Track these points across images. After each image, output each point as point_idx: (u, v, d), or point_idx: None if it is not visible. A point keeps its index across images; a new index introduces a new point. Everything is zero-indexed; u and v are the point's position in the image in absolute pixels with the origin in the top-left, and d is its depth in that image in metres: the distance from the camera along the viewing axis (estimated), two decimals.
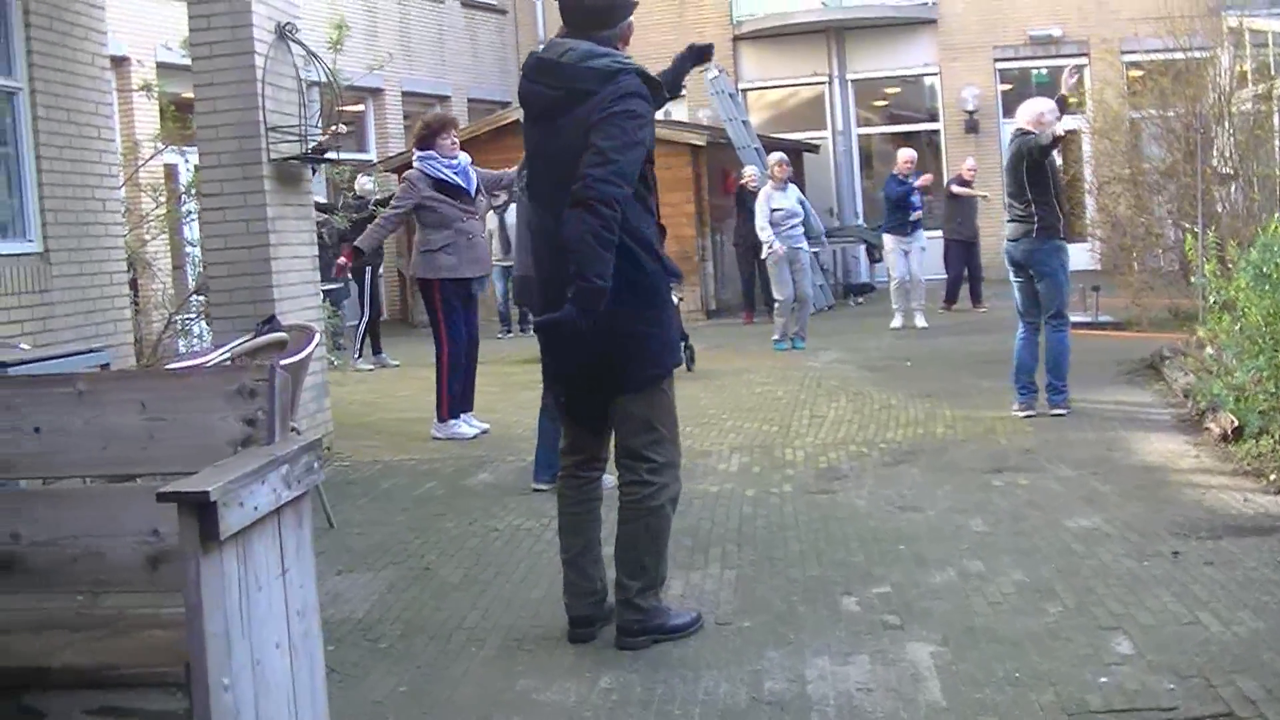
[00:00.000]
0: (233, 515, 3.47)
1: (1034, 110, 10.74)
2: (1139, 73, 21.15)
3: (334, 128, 10.59)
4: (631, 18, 5.69)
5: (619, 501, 5.69)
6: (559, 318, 5.32)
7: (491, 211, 16.88)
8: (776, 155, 17.37)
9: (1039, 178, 10.36)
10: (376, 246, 11.89)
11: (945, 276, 20.80)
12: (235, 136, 9.67)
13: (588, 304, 5.24)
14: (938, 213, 21.71)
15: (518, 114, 5.90)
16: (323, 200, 17.30)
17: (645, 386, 5.57)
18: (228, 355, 7.16)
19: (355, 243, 11.77)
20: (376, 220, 11.70)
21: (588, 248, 5.22)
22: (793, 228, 16.64)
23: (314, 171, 10.64)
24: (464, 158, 10.97)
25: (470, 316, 10.96)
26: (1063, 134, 10.62)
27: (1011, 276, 10.73)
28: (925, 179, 19.24)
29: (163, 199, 13.28)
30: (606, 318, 5.32)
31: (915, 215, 18.70)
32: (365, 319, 17.36)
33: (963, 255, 20.40)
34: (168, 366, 8.24)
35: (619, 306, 5.35)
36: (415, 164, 10.95)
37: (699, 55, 6.25)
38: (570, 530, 5.80)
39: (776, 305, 16.84)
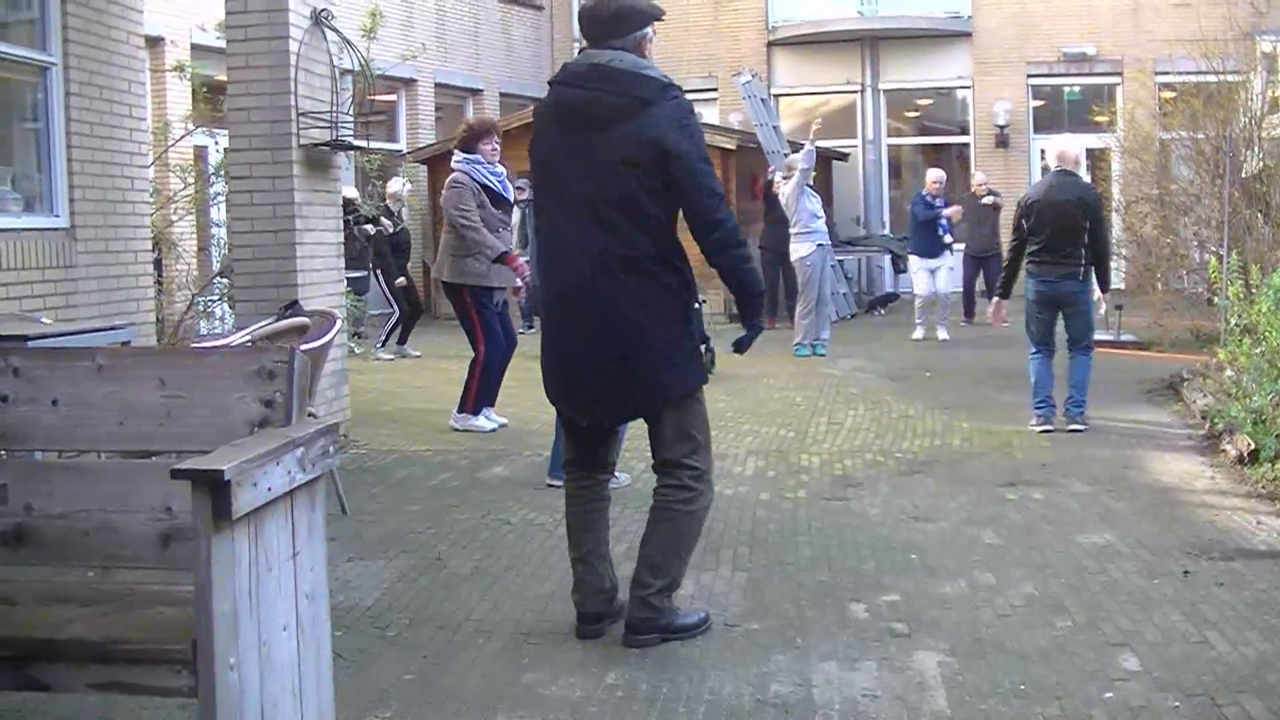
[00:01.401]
0: (246, 495, 3.48)
1: (1075, 150, 10.81)
2: (1171, 94, 21.07)
3: (366, 125, 10.50)
4: (649, 30, 5.63)
5: (655, 501, 5.68)
6: (754, 334, 5.82)
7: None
8: (790, 158, 17.41)
9: (1095, 227, 10.53)
10: (488, 240, 11.10)
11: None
12: (266, 120, 9.69)
13: (761, 313, 5.87)
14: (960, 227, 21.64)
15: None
16: (353, 194, 17.31)
17: (683, 398, 5.58)
18: (248, 338, 7.17)
19: (508, 248, 10.78)
20: (476, 238, 10.54)
21: (746, 275, 5.66)
22: (794, 233, 16.67)
23: (348, 160, 10.60)
24: (503, 170, 10.87)
25: (505, 319, 10.93)
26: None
27: (1036, 312, 10.71)
28: (954, 211, 19.01)
29: (191, 180, 13.31)
30: (634, 328, 5.35)
31: (945, 239, 18.63)
32: (396, 313, 17.35)
33: (972, 268, 20.37)
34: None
35: (660, 323, 5.40)
36: (459, 165, 10.74)
37: None
38: (580, 530, 5.79)
39: (800, 309, 16.81)
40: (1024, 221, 10.68)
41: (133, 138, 10.01)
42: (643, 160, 5.34)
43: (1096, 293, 10.87)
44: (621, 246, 5.39)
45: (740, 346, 5.85)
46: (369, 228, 16.44)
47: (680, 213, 5.52)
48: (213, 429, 4.00)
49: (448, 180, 10.77)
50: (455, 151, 10.89)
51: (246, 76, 9.70)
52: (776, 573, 6.72)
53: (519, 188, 15.77)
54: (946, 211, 18.73)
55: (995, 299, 11.54)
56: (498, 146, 10.82)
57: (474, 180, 10.59)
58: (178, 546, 3.99)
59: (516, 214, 17.95)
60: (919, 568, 6.77)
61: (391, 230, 17.28)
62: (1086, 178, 10.61)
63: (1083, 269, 10.53)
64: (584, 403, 5.65)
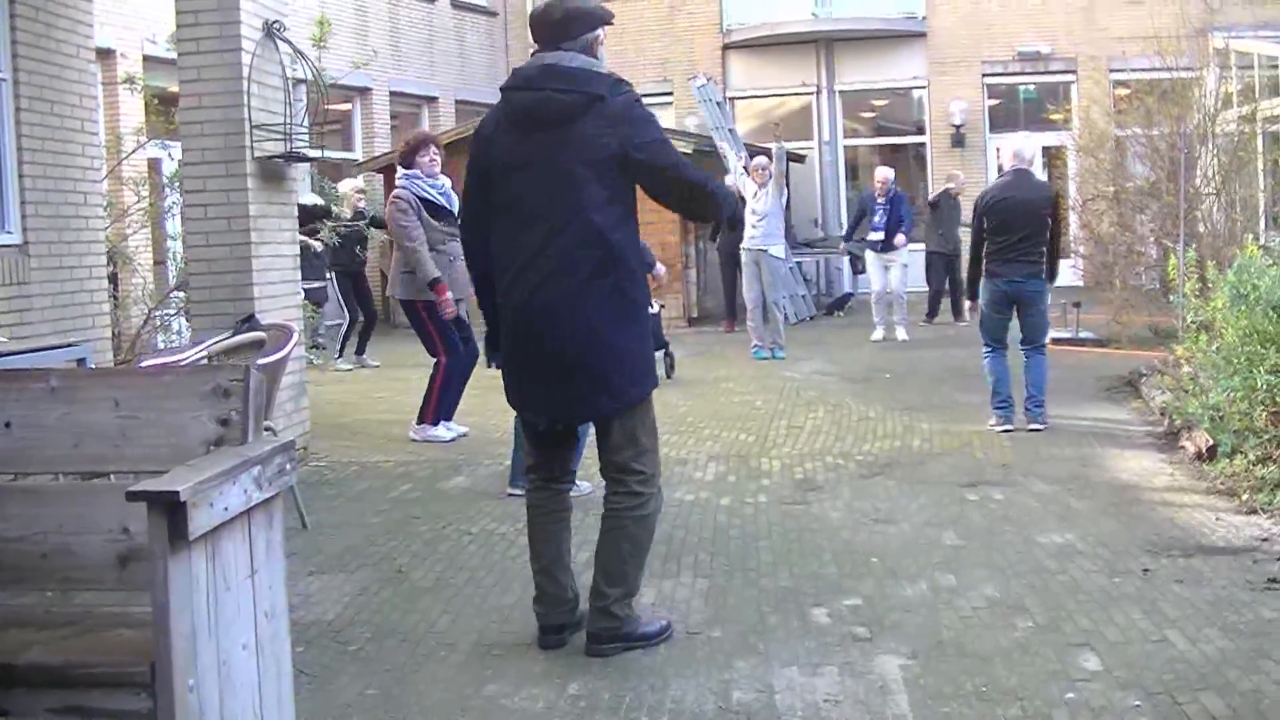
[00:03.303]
0: (203, 515, 3.48)
1: (1032, 149, 10.90)
2: (1125, 91, 21.21)
3: (320, 134, 10.49)
4: (600, 33, 5.64)
5: (605, 510, 5.69)
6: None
7: None
8: (758, 159, 17.43)
9: (1054, 224, 10.63)
10: (427, 260, 11.14)
11: (927, 290, 20.82)
12: (220, 133, 9.66)
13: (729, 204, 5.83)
14: (921, 225, 21.69)
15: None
16: (317, 201, 17.22)
17: (633, 404, 5.59)
18: (204, 353, 7.15)
19: (435, 276, 10.66)
20: (413, 248, 10.64)
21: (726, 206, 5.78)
22: (764, 231, 16.64)
23: (310, 171, 10.58)
24: (445, 181, 10.92)
25: (465, 330, 10.92)
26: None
27: (994, 311, 10.76)
28: (898, 240, 18.92)
29: (145, 193, 13.25)
30: (590, 330, 5.34)
31: (875, 235, 18.69)
32: (348, 321, 17.34)
33: (944, 269, 20.43)
34: (143, 363, 8.22)
35: (602, 319, 5.38)
36: (399, 182, 10.89)
37: None
38: (541, 539, 5.79)
39: (758, 312, 16.82)
40: (984, 220, 10.69)
41: (85, 152, 9.97)
42: (599, 157, 5.35)
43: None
44: (575, 247, 5.39)
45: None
46: (324, 233, 16.31)
47: (633, 212, 5.55)
48: (168, 449, 3.99)
49: (390, 198, 10.85)
50: (398, 169, 11.01)
51: (199, 89, 9.67)
52: (738, 578, 6.74)
53: None
54: (896, 240, 18.71)
55: (967, 303, 11.61)
56: (436, 158, 10.86)
57: (413, 194, 10.66)
58: (135, 567, 3.98)
59: None
60: (880, 571, 6.80)
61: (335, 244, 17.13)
62: (1042, 176, 10.69)
63: (1042, 268, 10.59)
64: (541, 405, 5.66)
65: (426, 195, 10.70)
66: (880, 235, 18.67)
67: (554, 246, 5.39)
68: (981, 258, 10.77)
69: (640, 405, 5.62)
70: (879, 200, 18.89)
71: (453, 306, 10.55)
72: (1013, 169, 10.80)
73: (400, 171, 10.93)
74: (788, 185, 17.40)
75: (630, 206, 5.52)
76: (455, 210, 10.80)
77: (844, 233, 19.76)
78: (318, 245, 16.01)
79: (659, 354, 13.48)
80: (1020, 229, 10.52)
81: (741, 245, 16.82)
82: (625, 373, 5.53)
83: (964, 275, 12.95)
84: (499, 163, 5.56)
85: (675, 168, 5.48)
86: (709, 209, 5.71)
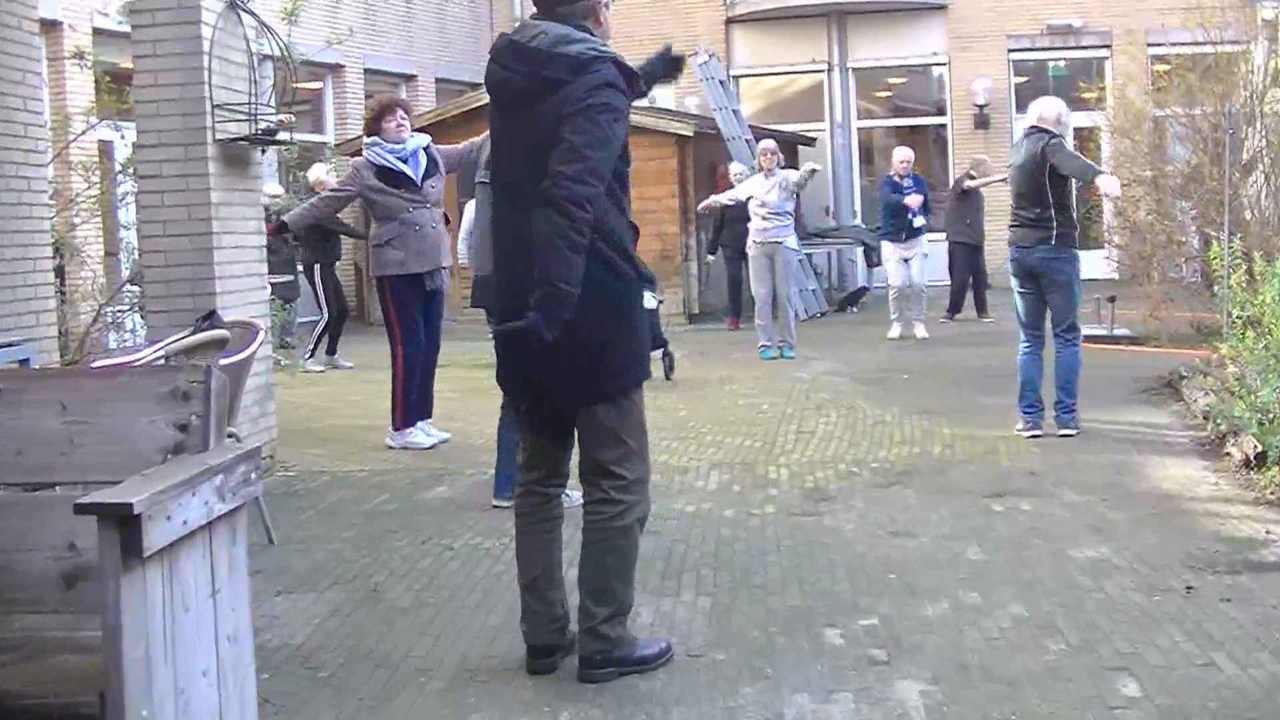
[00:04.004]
0: (159, 530, 3.45)
1: (1054, 109, 10.82)
2: (1165, 67, 21.17)
3: (286, 119, 10.49)
4: None
5: (583, 521, 5.67)
6: (522, 326, 5.29)
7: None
8: (765, 143, 17.40)
9: (1061, 180, 10.46)
10: (303, 226, 11.92)
11: (949, 283, 20.81)
12: (178, 113, 9.61)
13: (553, 311, 5.25)
14: (943, 214, 21.67)
15: (488, 97, 5.85)
16: (278, 192, 17.23)
17: (614, 396, 5.57)
18: (161, 353, 7.12)
19: (283, 217, 11.86)
20: (311, 200, 11.71)
21: (555, 250, 5.24)
22: (777, 224, 16.64)
23: (263, 152, 10.58)
24: (416, 140, 10.97)
25: (431, 316, 10.93)
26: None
27: (1017, 286, 10.77)
28: (913, 201, 18.89)
29: (95, 179, 13.22)
30: (571, 324, 5.32)
31: (915, 221, 18.67)
32: (325, 319, 17.29)
33: (969, 260, 20.42)
34: (94, 363, 8.19)
35: (586, 312, 5.35)
36: (364, 151, 11.03)
37: (671, 66, 6.10)
38: (529, 552, 5.78)
39: (767, 309, 16.80)
40: None
41: (28, 133, 9.91)
42: (551, 141, 5.34)
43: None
44: None
45: (496, 335, 5.65)
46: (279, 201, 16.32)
47: (625, 197, 5.55)
48: (121, 457, 3.96)
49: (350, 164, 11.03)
50: (362, 136, 11.15)
51: (154, 65, 9.63)
52: (743, 597, 6.72)
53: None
54: (909, 200, 18.66)
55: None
56: (403, 122, 10.96)
57: (371, 163, 10.84)
58: (84, 588, 3.95)
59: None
60: (898, 588, 6.78)
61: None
62: (1069, 140, 10.72)
63: (1055, 234, 10.53)
64: (523, 389, 5.73)
65: (384, 162, 10.80)
66: (921, 221, 18.65)
67: (527, 229, 5.40)
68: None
69: (624, 398, 5.60)
70: (903, 183, 18.84)
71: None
72: (1027, 129, 10.88)
73: (365, 140, 11.04)
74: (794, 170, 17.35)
75: (612, 189, 5.51)
76: (419, 176, 10.83)
77: (881, 227, 19.56)
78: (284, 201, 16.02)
79: (657, 354, 13.47)
80: (1018, 194, 10.75)
81: (751, 239, 16.77)
82: (606, 361, 5.51)
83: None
84: (491, 135, 5.80)
85: (574, 150, 5.29)
86: (542, 194, 5.33)
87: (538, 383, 5.62)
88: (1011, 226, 10.80)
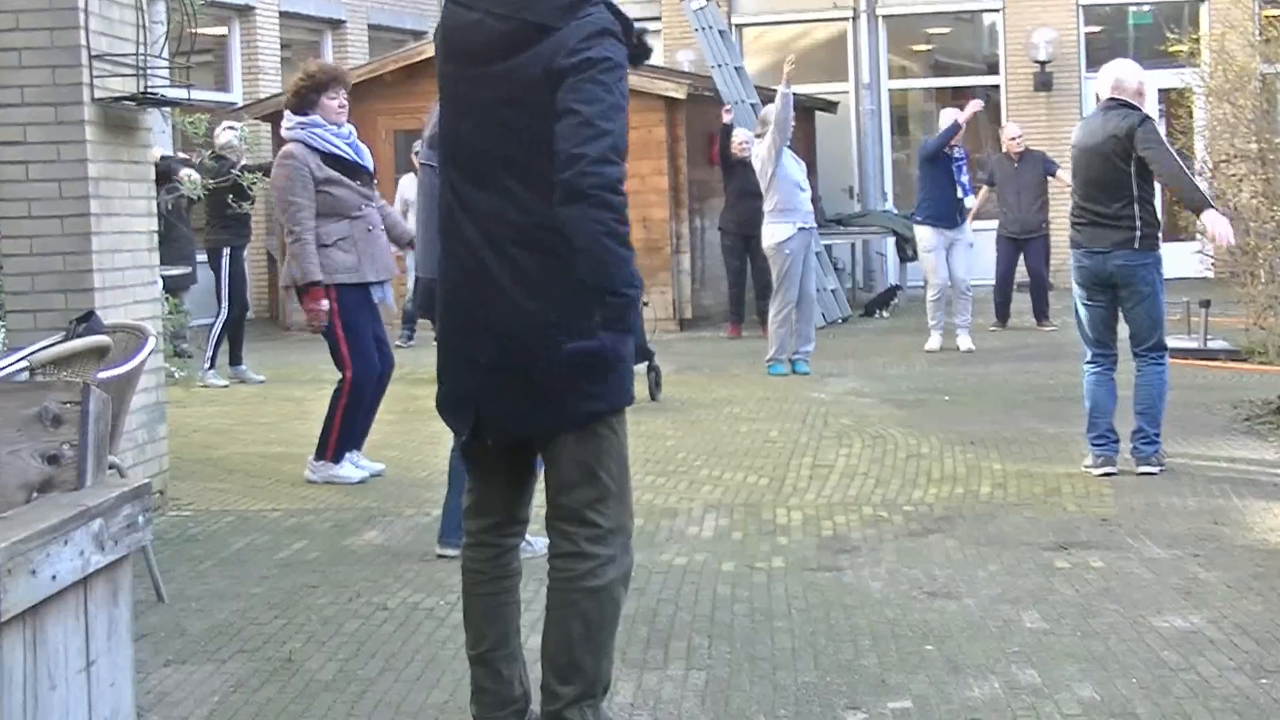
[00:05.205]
0: (20, 588, 3.43)
1: (1134, 75, 10.72)
2: (1276, 11, 21.16)
3: (187, 76, 10.45)
4: None
5: (549, 580, 5.64)
6: (594, 349, 5.35)
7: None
8: (768, 110, 17.43)
9: (1145, 169, 10.39)
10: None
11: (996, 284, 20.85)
12: (45, 65, 9.58)
13: (624, 324, 5.37)
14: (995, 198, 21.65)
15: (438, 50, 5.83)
16: (168, 154, 17.23)
17: (588, 423, 5.54)
18: (24, 365, 7.10)
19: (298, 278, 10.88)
20: (292, 235, 10.76)
21: (607, 251, 5.29)
22: (804, 206, 16.66)
23: (164, 120, 10.56)
24: (351, 129, 10.96)
25: (378, 329, 10.89)
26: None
27: (1083, 297, 10.69)
28: (971, 107, 18.79)
29: None
30: (536, 329, 5.31)
31: (970, 201, 18.66)
32: (224, 317, 17.23)
33: (1010, 255, 20.44)
34: None
35: (543, 303, 5.35)
36: (292, 132, 10.82)
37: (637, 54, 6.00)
38: (480, 617, 5.75)
39: (774, 314, 16.79)
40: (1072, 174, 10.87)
41: None
42: (534, 100, 5.34)
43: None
44: (518, 215, 5.39)
45: (579, 358, 5.46)
46: (185, 186, 16.27)
47: None
48: None
49: (278, 155, 10.77)
50: (286, 114, 10.89)
51: (15, 4, 9.62)
52: (745, 671, 6.73)
53: (416, 152, 15.76)
54: (962, 115, 18.56)
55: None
56: (346, 103, 10.88)
57: (312, 148, 10.68)
58: None
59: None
60: (937, 662, 6.79)
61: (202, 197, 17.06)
62: (1153, 112, 10.64)
63: (1139, 234, 10.52)
64: (460, 410, 5.65)
65: (334, 149, 10.74)
66: (971, 200, 18.65)
67: (486, 211, 5.39)
68: None
69: (602, 427, 5.57)
70: (954, 153, 18.72)
71: (322, 316, 10.51)
72: (1103, 102, 10.79)
73: (291, 119, 10.83)
74: (794, 146, 17.27)
75: None
76: (368, 165, 10.81)
77: (920, 207, 19.47)
78: (189, 189, 15.99)
79: (640, 367, 13.46)
80: (1089, 184, 10.62)
81: (798, 225, 16.67)
82: (574, 379, 5.48)
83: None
84: (441, 95, 5.73)
85: (573, 117, 5.30)
86: (563, 185, 5.30)
87: (493, 404, 5.59)
88: (1078, 224, 10.69)
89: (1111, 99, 10.62)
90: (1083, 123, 10.99)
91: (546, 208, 5.35)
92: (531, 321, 5.39)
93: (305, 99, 10.78)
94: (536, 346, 5.40)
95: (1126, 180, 10.40)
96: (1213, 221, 10.49)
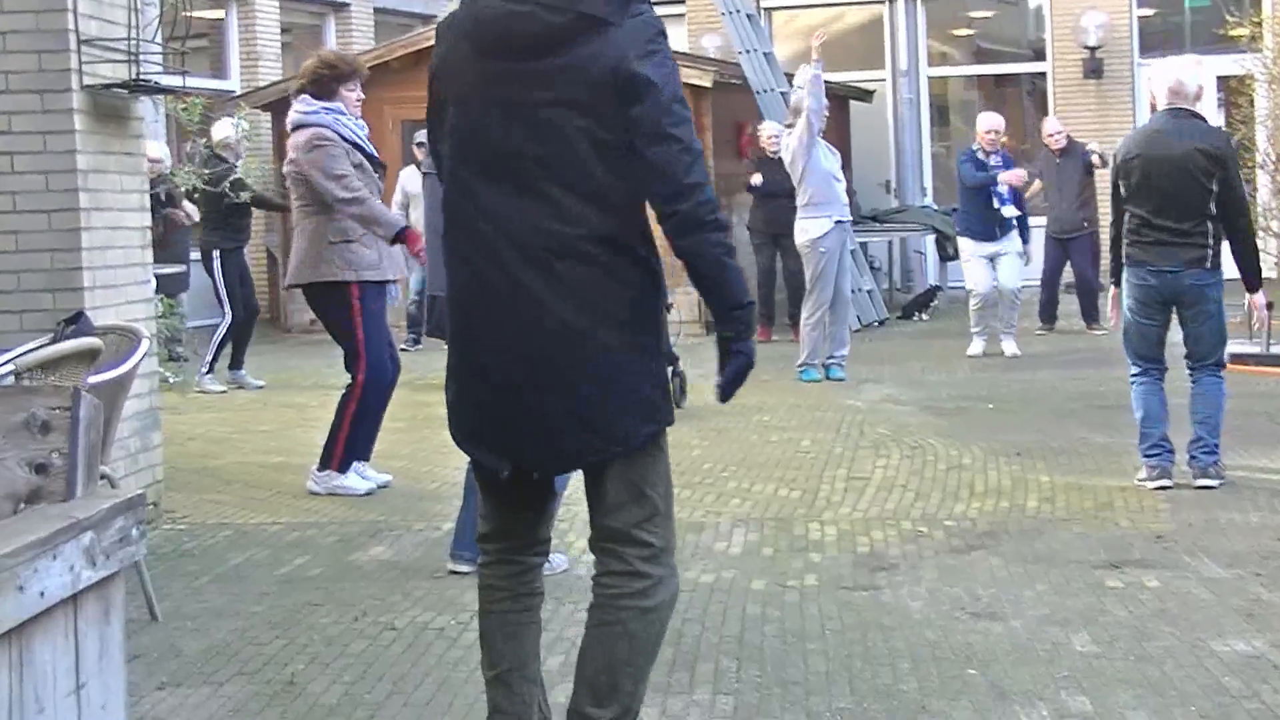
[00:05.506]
0: (6, 605, 3.42)
1: (1191, 79, 10.63)
2: None
3: (182, 62, 10.46)
4: None
5: (595, 598, 5.59)
6: (741, 367, 5.52)
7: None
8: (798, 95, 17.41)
9: (1224, 189, 10.39)
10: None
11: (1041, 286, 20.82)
12: (31, 50, 9.60)
13: (752, 329, 5.64)
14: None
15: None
16: (160, 153, 17.24)
17: (640, 446, 5.54)
18: (11, 368, 7.11)
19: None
20: (354, 208, 10.65)
21: (730, 271, 5.49)
22: (839, 200, 16.63)
23: (156, 109, 10.57)
24: (363, 124, 11.02)
25: (387, 332, 10.91)
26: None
27: (1141, 316, 10.64)
28: (1013, 176, 18.72)
29: None
30: (573, 337, 5.29)
31: (1003, 211, 18.52)
32: (229, 321, 17.17)
33: (1057, 255, 20.42)
34: None
35: (610, 331, 5.34)
36: (314, 118, 10.79)
37: None
38: (499, 637, 5.73)
39: (807, 316, 16.77)
40: (1121, 184, 10.64)
41: None
42: (594, 102, 5.30)
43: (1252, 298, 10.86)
44: (561, 224, 5.34)
45: (725, 389, 5.69)
46: (178, 175, 16.34)
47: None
48: None
49: (303, 139, 10.72)
50: (304, 98, 10.85)
51: None
52: (776, 696, 6.72)
53: (419, 144, 15.79)
54: (1004, 176, 18.53)
55: (1113, 289, 11.34)
56: (363, 96, 10.92)
57: (340, 135, 10.66)
58: None
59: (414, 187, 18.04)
60: (981, 688, 6.77)
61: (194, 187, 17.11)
62: (1216, 119, 10.55)
63: (1210, 252, 10.49)
64: (504, 445, 5.59)
65: (357, 139, 10.78)
66: (1013, 211, 18.51)
67: (525, 223, 5.35)
68: (1121, 237, 10.72)
69: (650, 448, 5.56)
70: (990, 160, 18.67)
71: (423, 248, 10.49)
72: (1167, 108, 10.71)
73: (312, 103, 10.80)
74: (828, 137, 17.24)
75: (635, 167, 5.47)
76: (380, 160, 10.85)
77: (960, 218, 19.41)
78: (184, 216, 16.02)
79: None
80: (1167, 198, 10.44)
81: (834, 219, 16.62)
82: (626, 400, 5.47)
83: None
84: (460, 93, 5.56)
85: (667, 142, 5.37)
86: (679, 218, 5.42)
87: (535, 435, 5.54)
88: (1141, 242, 10.57)
89: (1178, 108, 10.54)
90: (1146, 132, 10.70)
91: (600, 218, 5.33)
92: (578, 340, 5.36)
93: (326, 87, 10.80)
94: (586, 367, 5.39)
95: (1206, 198, 10.35)
96: (1259, 304, 10.93)
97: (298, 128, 10.79)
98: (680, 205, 5.34)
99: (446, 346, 5.85)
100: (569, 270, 5.34)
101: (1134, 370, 10.77)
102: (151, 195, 11.52)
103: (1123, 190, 10.60)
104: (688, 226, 5.36)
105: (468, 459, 8.02)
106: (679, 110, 5.36)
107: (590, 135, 5.31)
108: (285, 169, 11.05)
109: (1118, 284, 10.98)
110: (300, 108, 10.85)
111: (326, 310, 10.89)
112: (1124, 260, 10.64)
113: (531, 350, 5.39)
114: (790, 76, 22.57)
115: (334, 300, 10.79)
